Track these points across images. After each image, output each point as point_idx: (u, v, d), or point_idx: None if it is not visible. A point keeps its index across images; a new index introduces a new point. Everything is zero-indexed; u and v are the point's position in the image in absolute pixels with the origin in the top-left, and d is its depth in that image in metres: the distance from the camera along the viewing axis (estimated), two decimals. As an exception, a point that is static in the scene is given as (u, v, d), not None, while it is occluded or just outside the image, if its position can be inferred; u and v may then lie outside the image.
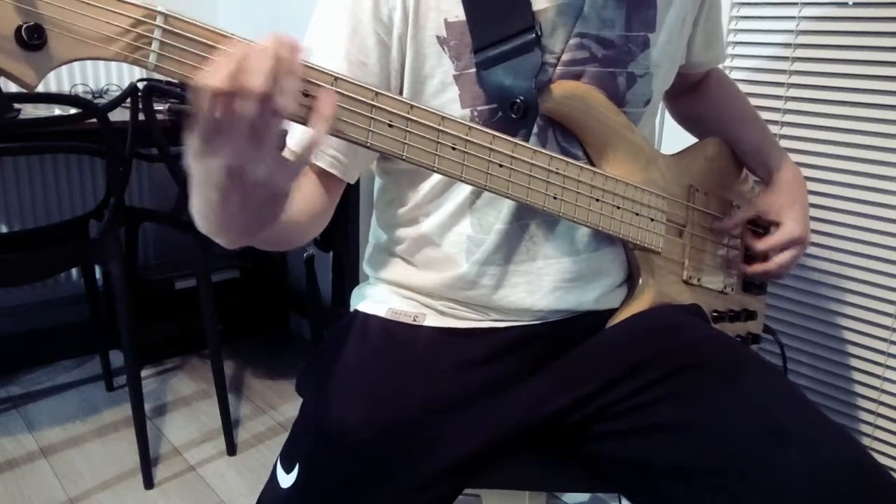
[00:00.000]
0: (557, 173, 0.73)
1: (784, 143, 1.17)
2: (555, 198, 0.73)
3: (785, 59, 1.15)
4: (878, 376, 1.14)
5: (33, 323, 2.17)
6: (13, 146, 1.55)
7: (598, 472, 0.81)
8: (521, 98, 0.72)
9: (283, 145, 0.54)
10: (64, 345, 2.21)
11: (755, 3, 1.18)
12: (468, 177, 0.67)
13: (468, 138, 0.66)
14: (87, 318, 2.05)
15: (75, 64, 2.11)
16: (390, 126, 0.62)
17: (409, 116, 0.62)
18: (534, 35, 0.72)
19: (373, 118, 0.60)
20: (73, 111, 1.52)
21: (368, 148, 0.61)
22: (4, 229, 2.10)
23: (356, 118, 0.60)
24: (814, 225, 1.16)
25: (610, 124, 0.78)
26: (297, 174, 0.55)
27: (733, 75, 1.22)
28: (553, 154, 0.72)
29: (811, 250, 1.17)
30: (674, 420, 0.73)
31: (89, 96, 2.03)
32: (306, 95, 0.55)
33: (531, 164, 0.71)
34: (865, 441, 1.17)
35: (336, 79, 0.57)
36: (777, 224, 0.90)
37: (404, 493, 0.70)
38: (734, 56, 1.22)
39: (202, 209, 0.57)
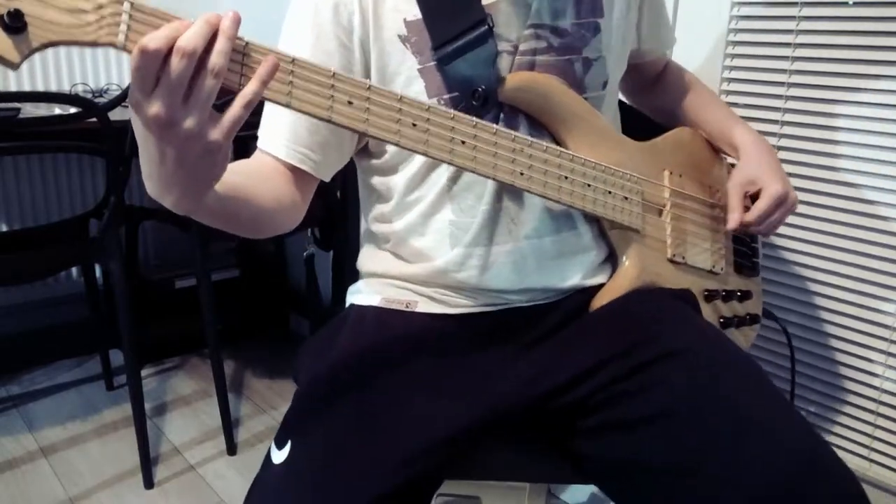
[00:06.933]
0: (522, 152, 0.75)
1: (784, 144, 1.17)
2: (522, 174, 0.75)
3: (785, 58, 1.15)
4: (878, 376, 1.14)
5: (33, 323, 2.17)
6: (13, 146, 1.55)
7: (582, 469, 0.83)
8: (483, 87, 0.77)
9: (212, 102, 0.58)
10: (64, 344, 2.21)
11: (755, 3, 1.18)
12: (431, 150, 0.69)
13: (428, 115, 0.68)
14: (87, 317, 2.05)
15: (75, 63, 2.12)
16: (350, 103, 0.64)
17: (368, 95, 0.65)
18: (486, 27, 0.77)
19: (332, 94, 0.63)
20: (73, 110, 1.51)
21: (330, 122, 0.63)
22: (4, 229, 2.10)
23: (315, 98, 0.62)
24: (814, 225, 1.17)
25: (572, 110, 0.82)
26: (231, 131, 0.57)
27: (733, 75, 1.22)
28: (516, 134, 0.74)
29: (810, 249, 1.17)
30: (646, 413, 0.74)
31: (89, 96, 2.02)
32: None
33: (494, 142, 0.73)
34: (865, 441, 1.17)
35: (294, 60, 0.61)
36: (759, 189, 0.93)
37: (390, 465, 0.72)
38: (734, 56, 1.22)
39: (145, 167, 0.61)
